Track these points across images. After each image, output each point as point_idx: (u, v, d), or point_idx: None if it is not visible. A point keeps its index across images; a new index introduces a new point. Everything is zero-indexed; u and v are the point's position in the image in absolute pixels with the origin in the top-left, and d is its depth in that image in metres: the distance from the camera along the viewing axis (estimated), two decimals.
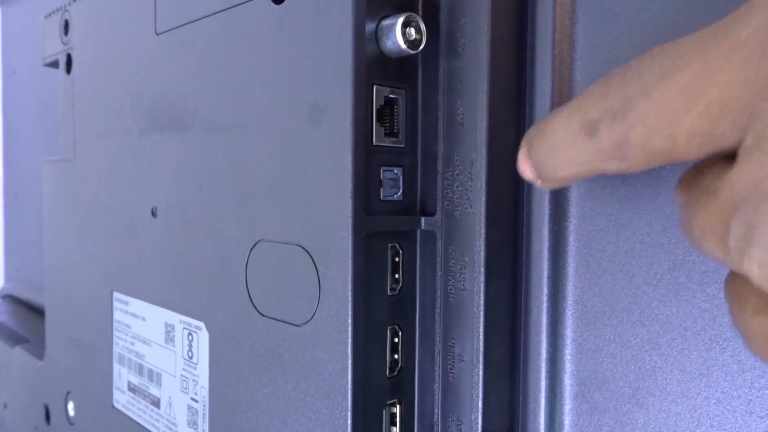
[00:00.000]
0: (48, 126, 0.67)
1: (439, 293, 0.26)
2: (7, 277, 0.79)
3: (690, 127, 0.14)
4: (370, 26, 0.25)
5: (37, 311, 0.70)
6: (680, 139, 0.14)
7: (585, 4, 0.23)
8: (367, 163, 0.25)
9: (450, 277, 0.25)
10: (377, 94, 0.25)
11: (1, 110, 0.79)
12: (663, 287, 0.21)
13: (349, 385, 0.24)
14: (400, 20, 0.24)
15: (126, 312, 0.40)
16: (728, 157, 0.15)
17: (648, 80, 0.15)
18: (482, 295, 0.24)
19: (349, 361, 0.24)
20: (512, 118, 0.25)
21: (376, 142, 0.25)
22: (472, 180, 0.24)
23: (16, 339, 0.60)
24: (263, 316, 0.28)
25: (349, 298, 0.24)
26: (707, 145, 0.14)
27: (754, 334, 0.15)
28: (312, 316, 0.26)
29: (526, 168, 0.20)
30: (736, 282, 0.16)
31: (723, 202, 0.14)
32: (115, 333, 0.41)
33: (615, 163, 0.16)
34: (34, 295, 0.71)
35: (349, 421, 0.24)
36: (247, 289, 0.29)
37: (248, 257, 0.29)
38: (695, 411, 0.21)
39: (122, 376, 0.41)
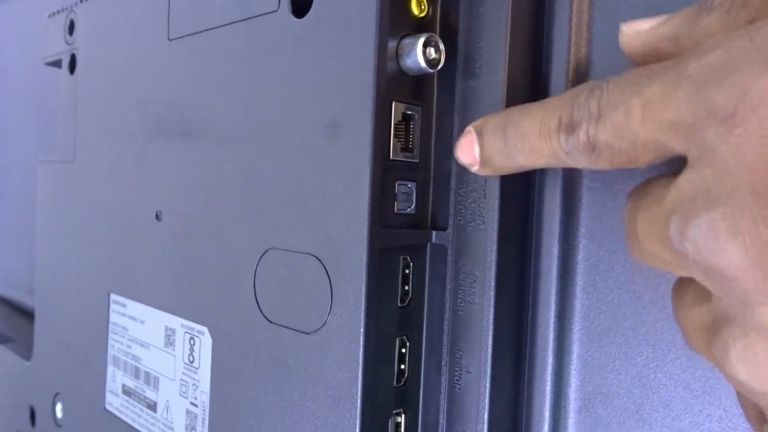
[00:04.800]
0: (39, 125, 0.67)
1: (448, 306, 0.26)
2: None
3: (647, 137, 0.17)
4: (390, 44, 0.25)
5: (22, 311, 0.69)
6: (639, 144, 0.18)
7: (599, 35, 0.24)
8: (383, 177, 0.25)
9: (460, 291, 0.26)
10: (395, 110, 0.26)
11: None
12: (669, 307, 0.22)
13: (359, 395, 0.25)
14: (421, 40, 0.25)
15: (123, 314, 0.40)
16: (673, 174, 0.18)
17: (619, 95, 0.18)
18: (492, 309, 0.25)
19: (360, 371, 0.25)
20: None
21: (392, 156, 0.26)
22: (485, 197, 0.25)
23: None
24: (271, 323, 0.29)
25: (362, 309, 0.25)
26: (660, 152, 0.17)
27: (690, 327, 0.18)
28: (323, 325, 0.26)
29: (471, 151, 0.23)
30: (678, 283, 0.19)
31: (666, 203, 0.17)
32: (111, 335, 0.41)
33: (584, 157, 0.19)
34: (19, 296, 0.70)
35: (357, 430, 0.25)
36: (255, 296, 0.30)
37: (257, 264, 0.29)
38: (698, 427, 0.21)
39: (116, 378, 0.40)
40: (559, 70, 0.25)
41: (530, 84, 0.26)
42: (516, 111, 0.22)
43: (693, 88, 0.16)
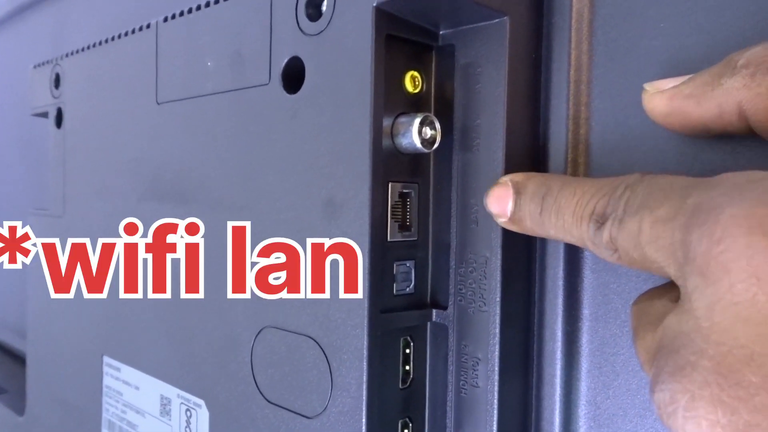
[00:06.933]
0: (29, 160, 0.66)
1: (450, 387, 0.26)
2: None
3: (651, 255, 0.17)
4: (386, 123, 0.25)
5: (10, 354, 0.68)
6: (647, 260, 0.17)
7: (598, 113, 0.24)
8: (381, 260, 0.25)
9: (462, 373, 0.25)
10: (392, 190, 0.25)
11: None
12: None
13: None
14: (417, 120, 0.24)
15: (117, 378, 0.39)
16: (672, 295, 0.17)
17: (640, 204, 0.17)
18: (496, 394, 0.24)
19: None
20: None
21: (390, 238, 0.25)
22: (486, 278, 0.25)
23: None
24: (270, 403, 0.28)
25: (364, 397, 0.24)
26: (664, 274, 0.17)
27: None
28: (324, 410, 0.26)
29: (504, 204, 0.22)
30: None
31: (652, 343, 0.17)
32: (105, 398, 0.40)
33: (607, 254, 0.19)
34: (7, 338, 0.69)
35: None
36: (253, 374, 0.29)
37: (254, 341, 0.29)
38: None
39: None
40: (557, 145, 0.25)
41: (529, 158, 0.25)
42: (557, 182, 0.21)
43: (683, 224, 0.16)
